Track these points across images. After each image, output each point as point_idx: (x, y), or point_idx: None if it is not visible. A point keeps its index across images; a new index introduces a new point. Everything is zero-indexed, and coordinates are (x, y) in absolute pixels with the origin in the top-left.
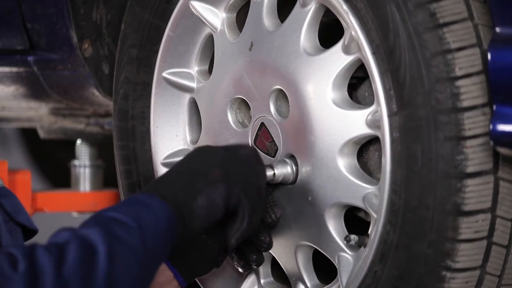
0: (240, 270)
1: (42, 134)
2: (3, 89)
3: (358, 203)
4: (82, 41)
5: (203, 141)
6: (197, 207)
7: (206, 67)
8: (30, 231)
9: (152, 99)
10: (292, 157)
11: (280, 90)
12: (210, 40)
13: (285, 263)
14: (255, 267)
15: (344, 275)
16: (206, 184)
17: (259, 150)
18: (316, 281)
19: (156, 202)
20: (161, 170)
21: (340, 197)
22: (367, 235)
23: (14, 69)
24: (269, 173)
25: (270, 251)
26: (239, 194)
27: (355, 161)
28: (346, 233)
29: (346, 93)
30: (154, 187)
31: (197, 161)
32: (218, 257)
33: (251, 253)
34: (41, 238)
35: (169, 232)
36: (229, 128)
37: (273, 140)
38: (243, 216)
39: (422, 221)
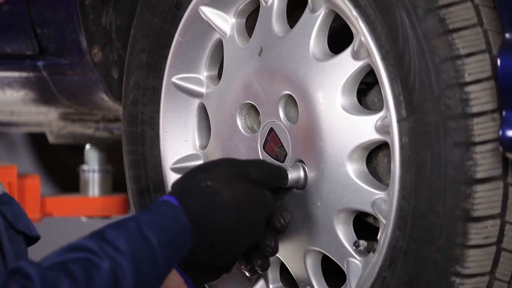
0: (247, 274)
1: (51, 139)
2: (12, 94)
3: (367, 208)
4: (91, 46)
5: (212, 146)
6: (219, 238)
7: (216, 72)
8: (32, 238)
9: (161, 104)
10: (301, 162)
11: (289, 96)
12: (219, 45)
13: (294, 268)
14: (260, 272)
15: (353, 281)
16: (241, 227)
17: (268, 155)
18: (325, 286)
19: (187, 235)
20: (170, 175)
21: (349, 202)
22: (376, 241)
23: (24, 74)
24: None
25: (278, 256)
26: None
27: (364, 166)
28: (355, 238)
29: (356, 98)
30: (191, 210)
31: (241, 198)
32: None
33: (257, 257)
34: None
35: (184, 252)
36: (238, 133)
37: (282, 146)
38: None
39: (431, 226)
